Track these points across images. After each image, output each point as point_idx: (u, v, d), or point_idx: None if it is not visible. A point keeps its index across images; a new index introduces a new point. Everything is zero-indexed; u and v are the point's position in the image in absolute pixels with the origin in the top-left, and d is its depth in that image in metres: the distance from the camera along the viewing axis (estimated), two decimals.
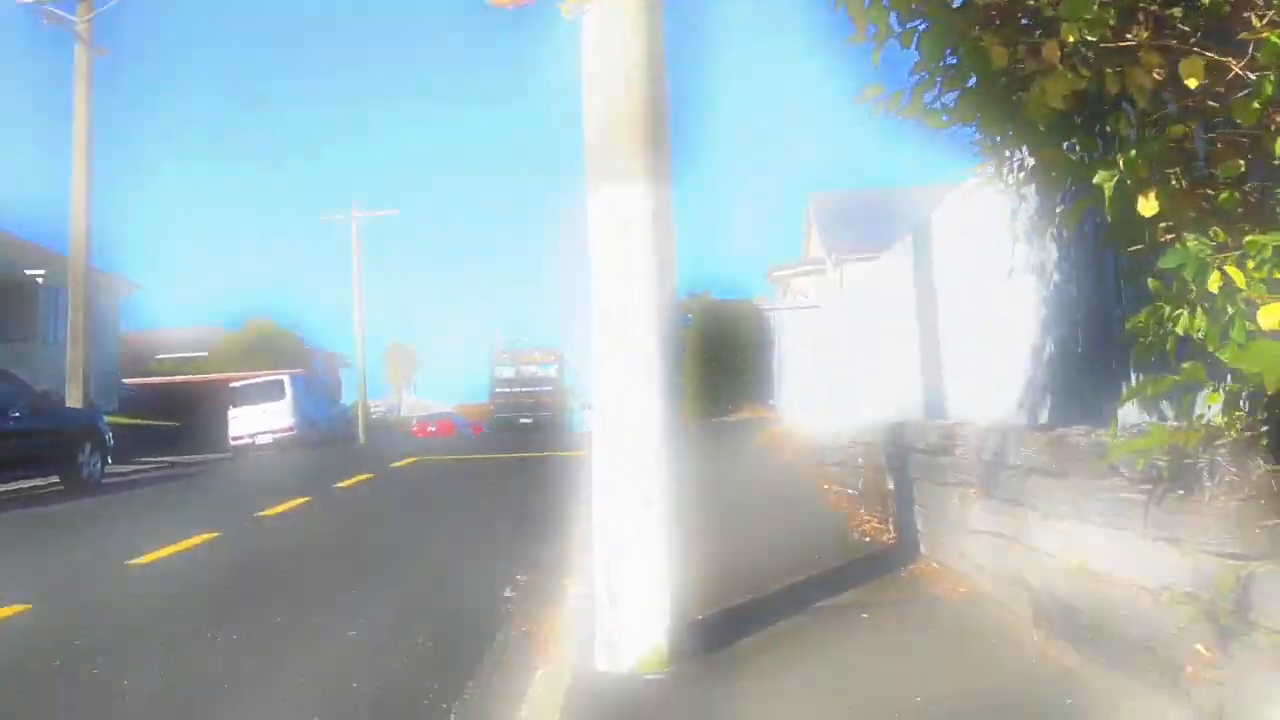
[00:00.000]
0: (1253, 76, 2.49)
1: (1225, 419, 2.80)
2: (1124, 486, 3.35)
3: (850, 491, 8.45)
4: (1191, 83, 2.51)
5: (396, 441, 34.57)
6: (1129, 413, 4.13)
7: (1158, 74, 2.68)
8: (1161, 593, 3.13)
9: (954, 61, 3.16)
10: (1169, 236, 2.76)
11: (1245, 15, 2.50)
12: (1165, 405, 3.70)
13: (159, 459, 25.47)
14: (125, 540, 9.54)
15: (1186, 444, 2.77)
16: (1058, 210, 4.51)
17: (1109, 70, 2.76)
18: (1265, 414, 2.74)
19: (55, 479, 16.05)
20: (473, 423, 49.40)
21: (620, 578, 4.17)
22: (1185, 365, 2.74)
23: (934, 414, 6.92)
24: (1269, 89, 2.40)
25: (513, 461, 17.97)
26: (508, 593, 6.32)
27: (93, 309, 22.20)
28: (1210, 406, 2.91)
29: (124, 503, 14.30)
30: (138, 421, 27.58)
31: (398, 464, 18.43)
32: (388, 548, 8.87)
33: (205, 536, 9.24)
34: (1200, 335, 2.62)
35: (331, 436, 33.22)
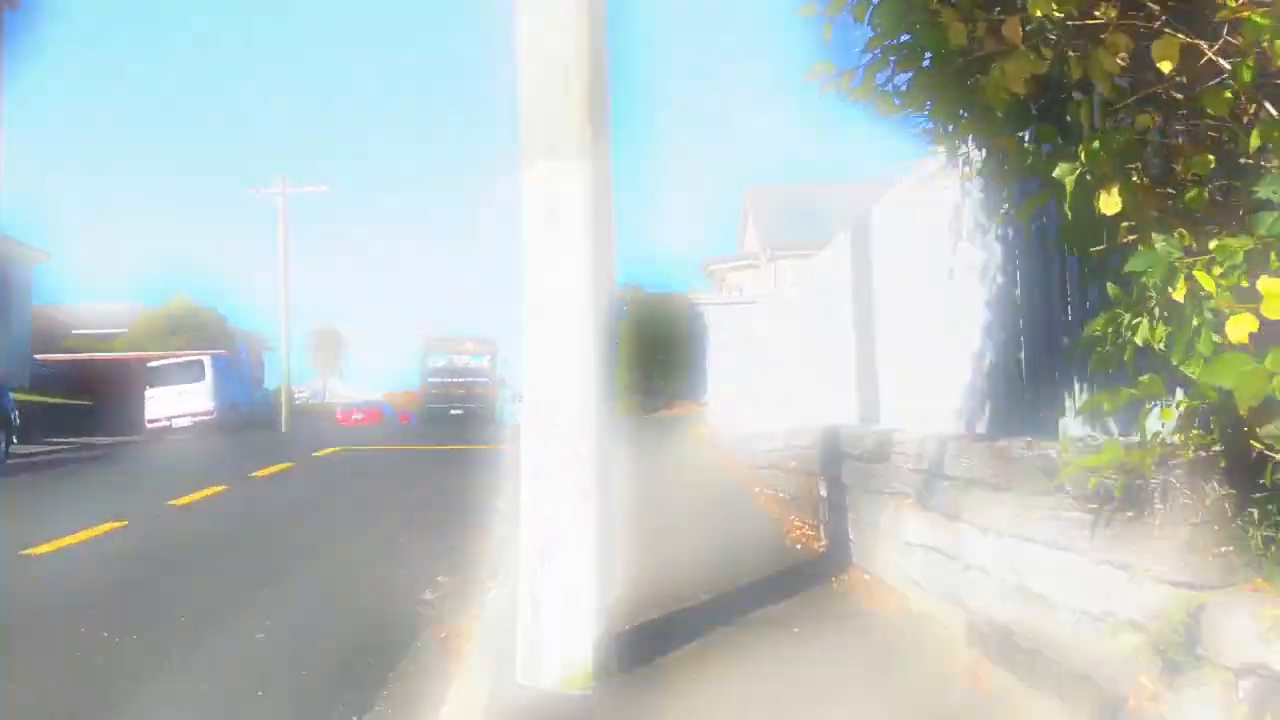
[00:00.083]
0: (1225, 63, 2.32)
1: (1181, 438, 2.65)
2: (1069, 505, 3.19)
3: (782, 495, 8.29)
4: (1165, 66, 2.32)
5: (320, 429, 33.84)
6: (1071, 424, 4.00)
7: (1122, 58, 2.51)
8: (1105, 619, 2.98)
9: (908, 39, 2.97)
10: (1131, 237, 2.59)
11: None
12: (1111, 418, 3.57)
13: (70, 440, 24.44)
14: (23, 528, 9.10)
15: (1141, 463, 2.61)
16: (1004, 207, 4.36)
17: (1072, 53, 2.58)
18: (1221, 434, 2.60)
19: None
20: (400, 411, 48.58)
21: (546, 581, 3.91)
22: (1143, 378, 2.57)
23: (869, 419, 6.78)
24: (1247, 74, 2.22)
25: (439, 453, 17.58)
26: (427, 594, 6.08)
27: (1, 279, 21.20)
28: (1164, 423, 2.76)
29: (27, 486, 13.68)
30: (49, 400, 26.47)
31: (319, 453, 17.89)
32: (303, 543, 8.49)
33: (111, 525, 8.87)
34: (1161, 346, 2.46)
35: (253, 421, 32.26)
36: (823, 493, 6.57)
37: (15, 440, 16.92)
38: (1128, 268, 2.36)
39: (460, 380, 38.64)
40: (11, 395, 17.65)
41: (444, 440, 20.86)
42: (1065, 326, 4.07)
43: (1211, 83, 2.35)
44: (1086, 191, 2.69)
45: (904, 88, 3.21)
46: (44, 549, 7.71)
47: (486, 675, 4.04)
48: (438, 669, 4.50)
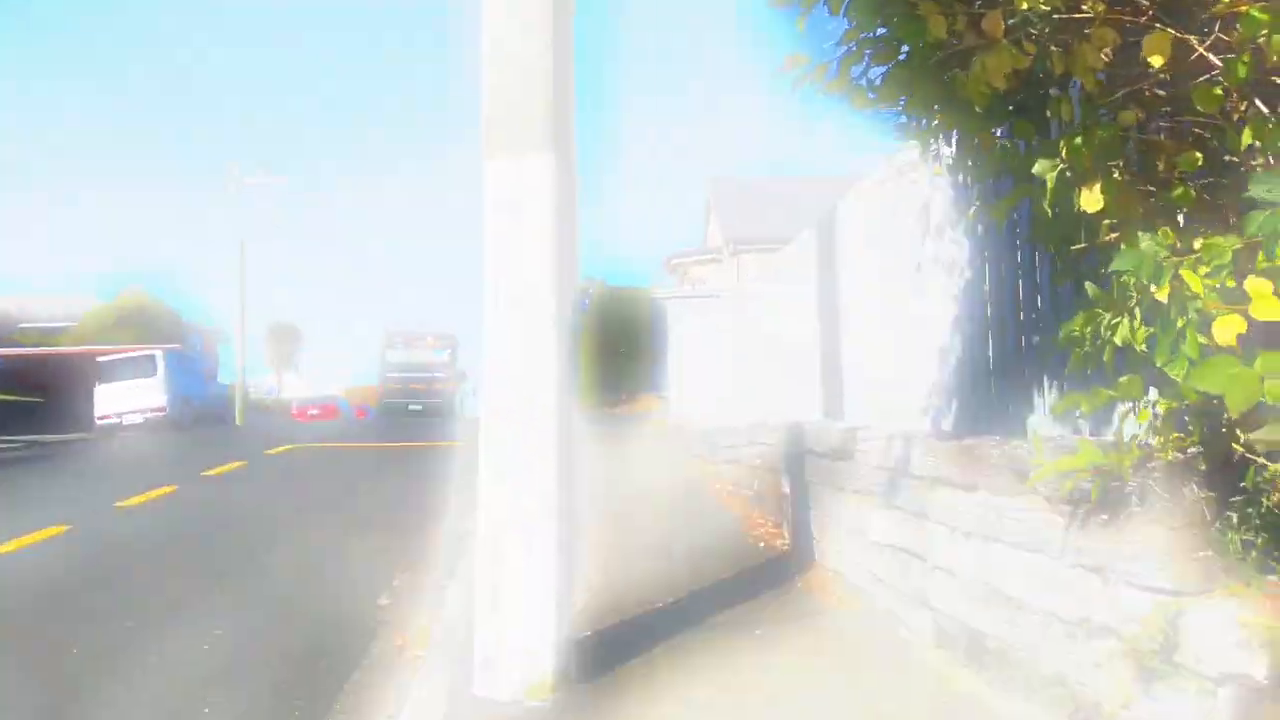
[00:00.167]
0: (1214, 58, 2.25)
1: (1160, 440, 2.58)
2: (1041, 506, 3.12)
3: (745, 492, 8.22)
4: (1156, 61, 2.24)
5: (276, 425, 33.28)
6: (1040, 422, 3.94)
7: (1106, 54, 2.43)
8: (1079, 624, 2.92)
9: (884, 32, 2.87)
10: (1113, 235, 2.52)
11: None
12: (1080, 418, 3.51)
13: (16, 438, 23.84)
14: None
15: (1120, 465, 2.54)
16: (976, 203, 4.29)
17: (1055, 48, 2.50)
18: (1201, 436, 2.53)
19: None
20: (357, 406, 47.99)
21: (506, 588, 3.79)
22: (1123, 379, 2.50)
23: (833, 414, 6.71)
24: (1241, 71, 2.15)
25: (397, 450, 17.32)
26: (383, 599, 5.92)
27: None
28: (1140, 424, 2.69)
29: None
30: None
31: (273, 451, 17.56)
32: (255, 545, 8.26)
33: (54, 530, 8.56)
34: (1143, 347, 2.38)
35: (207, 418, 31.67)
36: (786, 489, 6.49)
37: None
38: (1113, 266, 2.28)
39: (420, 375, 38.29)
40: None
41: (401, 437, 20.56)
42: (1035, 324, 4.01)
43: (1201, 79, 2.27)
44: (1066, 188, 2.61)
45: (879, 82, 3.13)
46: None
47: (444, 685, 3.92)
48: (394, 678, 4.36)
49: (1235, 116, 2.32)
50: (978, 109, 2.75)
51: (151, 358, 29.72)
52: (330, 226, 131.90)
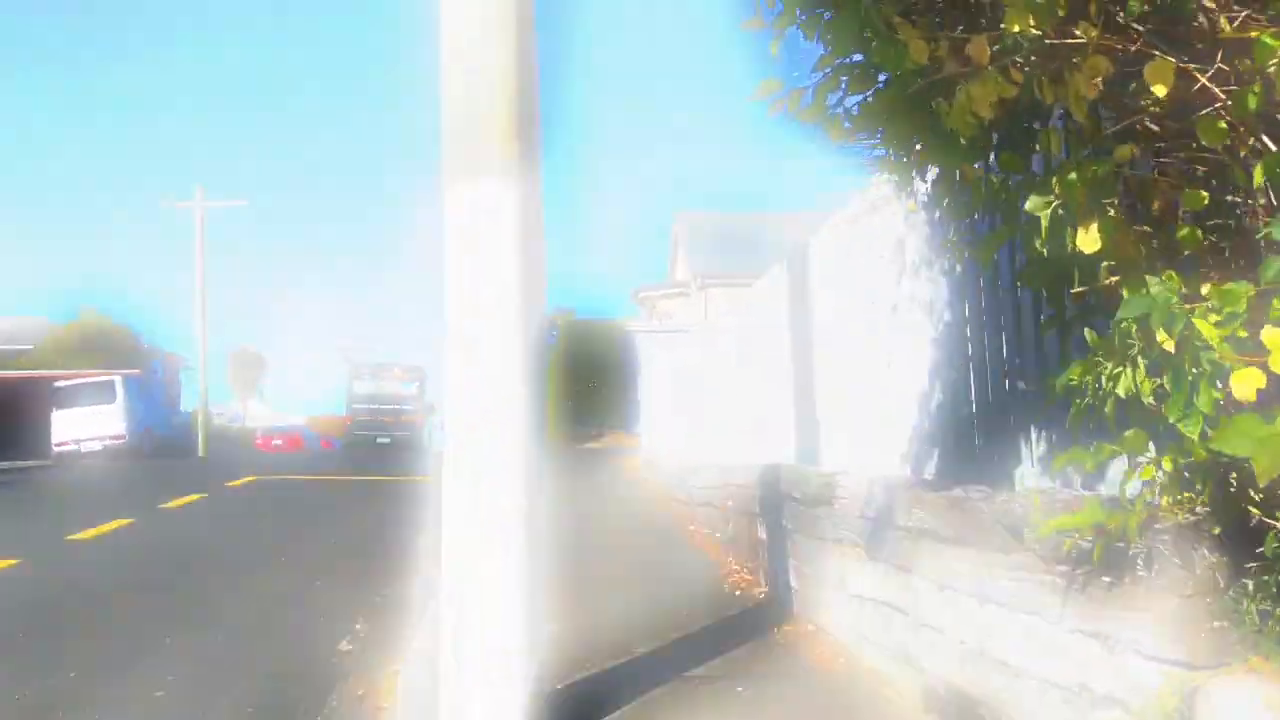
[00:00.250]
0: (1217, 89, 2.11)
1: (1167, 500, 2.43)
2: (1036, 565, 2.96)
3: (718, 536, 8.01)
4: (1159, 90, 2.09)
5: (238, 454, 32.70)
6: (1028, 473, 3.79)
7: (1096, 83, 2.29)
8: (1079, 691, 2.75)
9: (861, 59, 2.73)
10: (1113, 279, 2.37)
11: (1212, 15, 2.12)
12: (1074, 471, 3.36)
13: None
14: None
15: (1128, 526, 2.38)
16: (951, 241, 4.16)
17: (1044, 76, 2.36)
18: (1211, 496, 2.38)
19: None
20: (322, 436, 47.30)
21: (471, 641, 3.55)
22: (1128, 434, 2.35)
23: (807, 457, 6.55)
24: (1252, 102, 2.01)
25: (362, 484, 16.98)
26: (344, 645, 5.64)
27: None
28: (1144, 481, 2.54)
29: None
30: None
31: (235, 482, 17.15)
32: (212, 585, 7.93)
33: (2, 564, 8.22)
34: (1150, 400, 2.23)
35: (168, 446, 31.05)
36: (762, 535, 6.30)
37: None
38: (1121, 312, 2.12)
39: (387, 408, 37.94)
40: None
41: (367, 469, 20.20)
42: (1020, 370, 3.87)
43: (1204, 111, 2.13)
44: (1059, 227, 2.47)
45: (856, 111, 2.99)
46: None
47: None
48: None
49: (1242, 152, 2.18)
50: (962, 140, 2.60)
51: (111, 383, 29.16)
52: (292, 251, 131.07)
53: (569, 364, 24.18)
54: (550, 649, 3.82)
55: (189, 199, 38.47)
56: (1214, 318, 2.04)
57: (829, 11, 2.75)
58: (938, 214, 4.34)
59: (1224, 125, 2.16)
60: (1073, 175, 2.38)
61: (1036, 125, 2.88)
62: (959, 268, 4.30)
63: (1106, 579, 2.60)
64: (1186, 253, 2.38)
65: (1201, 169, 2.46)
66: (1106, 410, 2.40)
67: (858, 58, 2.85)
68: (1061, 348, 3.38)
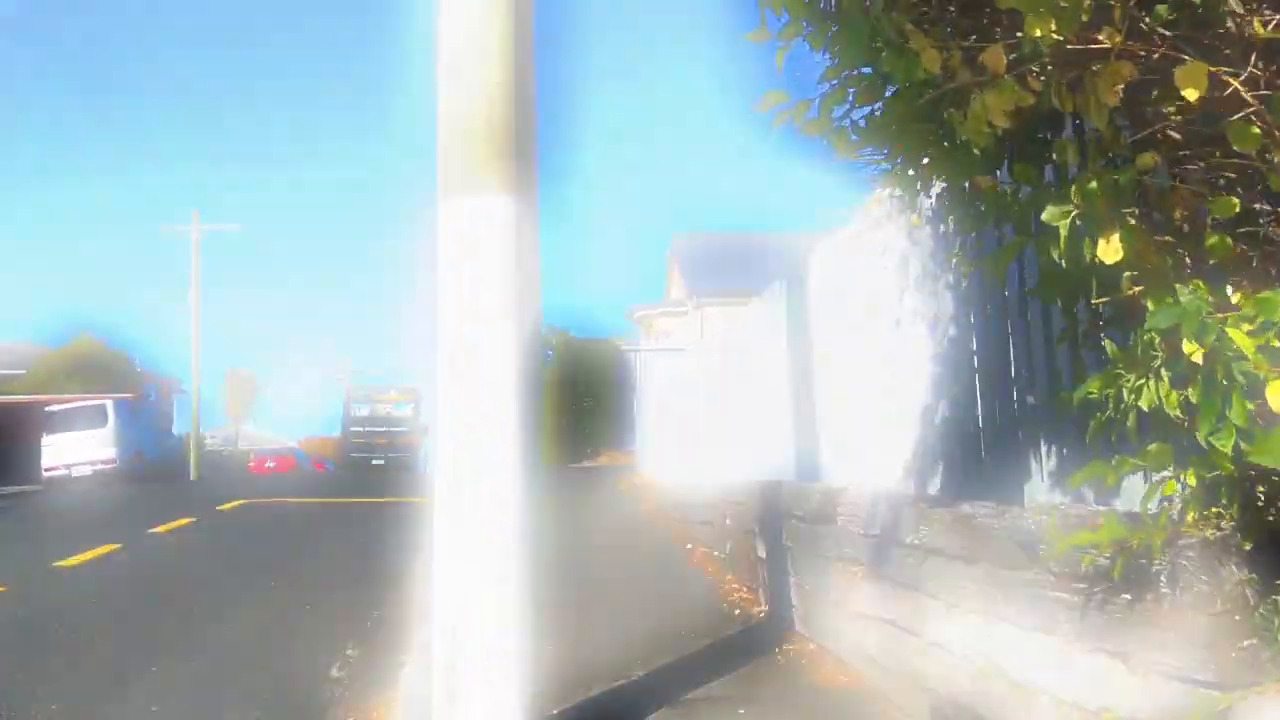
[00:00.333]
0: (1247, 94, 2.04)
1: (1193, 515, 2.35)
2: (1050, 583, 2.87)
3: (717, 553, 7.91)
4: (1191, 94, 2.03)
5: (231, 477, 32.47)
6: (1038, 489, 3.71)
7: (1117, 91, 2.22)
8: (1101, 714, 2.66)
9: (869, 70, 2.67)
10: (1136, 289, 2.30)
11: (1242, 19, 2.05)
12: (1085, 485, 3.27)
13: None
14: None
15: (1152, 542, 2.29)
16: (957, 254, 4.10)
17: (1063, 84, 2.29)
18: (1238, 511, 2.30)
19: None
20: (315, 459, 47.05)
21: (464, 668, 3.45)
22: (1152, 448, 2.27)
23: (806, 475, 6.45)
24: None
25: (356, 506, 16.77)
26: (335, 671, 5.51)
27: None
28: (1165, 495, 2.46)
29: None
30: None
31: (226, 506, 16.96)
32: (199, 611, 7.76)
33: None
34: (1178, 413, 2.15)
35: (160, 470, 30.79)
36: (761, 553, 6.20)
37: None
38: (1150, 323, 2.05)
39: (383, 430, 37.86)
40: None
41: (360, 492, 19.99)
42: (1029, 384, 3.79)
43: (1235, 116, 2.06)
44: (1077, 238, 2.40)
45: (863, 123, 2.92)
46: None
47: None
48: None
49: (1276, 158, 2.11)
50: (975, 150, 2.53)
51: (102, 408, 28.95)
52: (286, 274, 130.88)
53: (565, 384, 24.09)
54: (546, 671, 3.72)
55: (185, 223, 38.52)
56: (1246, 327, 1.97)
57: (836, 23, 2.70)
58: (943, 228, 4.28)
59: (1257, 130, 2.09)
60: (1093, 184, 2.32)
61: (1050, 135, 2.83)
62: (964, 282, 4.24)
63: (1126, 596, 2.52)
64: (1212, 262, 2.30)
65: (1225, 176, 2.39)
66: (1129, 424, 2.33)
67: (866, 70, 2.80)
68: (1074, 361, 3.31)
